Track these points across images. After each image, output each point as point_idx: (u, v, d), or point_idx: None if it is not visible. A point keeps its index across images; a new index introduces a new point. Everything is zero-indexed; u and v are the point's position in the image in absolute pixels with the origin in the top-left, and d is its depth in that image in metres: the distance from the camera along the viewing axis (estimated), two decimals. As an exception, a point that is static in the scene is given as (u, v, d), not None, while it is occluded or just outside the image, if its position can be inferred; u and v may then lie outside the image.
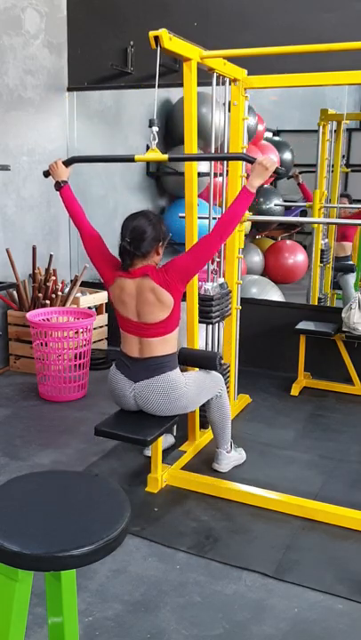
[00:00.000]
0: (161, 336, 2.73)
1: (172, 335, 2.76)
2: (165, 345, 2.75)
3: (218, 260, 3.39)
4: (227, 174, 3.46)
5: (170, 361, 2.77)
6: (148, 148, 2.74)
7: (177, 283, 2.67)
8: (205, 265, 3.03)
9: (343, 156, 5.65)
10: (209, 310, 3.26)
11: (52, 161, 3.00)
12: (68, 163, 3.00)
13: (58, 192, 2.98)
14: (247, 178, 2.78)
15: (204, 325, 3.41)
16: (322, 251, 5.01)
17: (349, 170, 5.69)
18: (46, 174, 3.06)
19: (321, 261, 5.02)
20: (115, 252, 2.78)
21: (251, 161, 2.71)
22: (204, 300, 3.26)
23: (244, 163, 3.54)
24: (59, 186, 2.97)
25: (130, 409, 2.83)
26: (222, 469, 3.13)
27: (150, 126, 2.70)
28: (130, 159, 2.85)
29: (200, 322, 3.28)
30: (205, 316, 3.29)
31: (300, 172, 5.80)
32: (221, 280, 3.41)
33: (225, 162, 3.41)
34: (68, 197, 2.95)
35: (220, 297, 3.35)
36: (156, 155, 2.73)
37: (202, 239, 2.74)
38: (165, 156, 2.74)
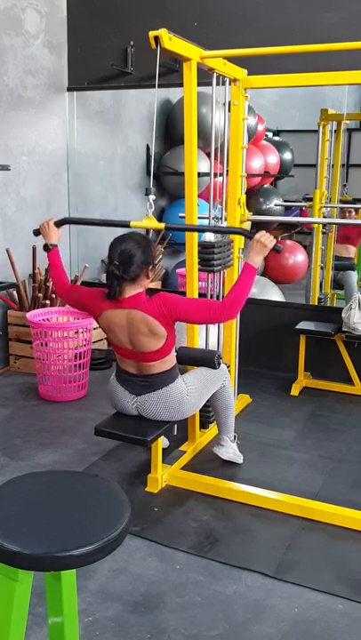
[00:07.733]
0: (159, 360, 2.70)
1: (170, 355, 2.74)
2: (165, 364, 2.73)
3: (220, 206, 3.31)
4: (227, 174, 3.46)
5: (171, 374, 2.76)
6: (147, 148, 2.74)
7: (170, 318, 2.62)
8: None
9: (344, 185, 5.66)
10: (210, 258, 3.13)
11: (44, 221, 2.96)
12: (59, 223, 2.96)
13: (46, 253, 2.94)
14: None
15: (204, 325, 3.40)
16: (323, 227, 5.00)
17: (351, 198, 5.68)
18: (36, 233, 3.01)
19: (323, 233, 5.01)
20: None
21: (249, 236, 2.67)
22: (206, 247, 3.14)
23: (244, 162, 3.55)
24: (47, 248, 2.93)
25: (131, 415, 2.84)
26: (222, 455, 3.15)
27: (147, 194, 2.69)
28: (125, 225, 2.83)
29: (200, 270, 3.18)
30: (206, 264, 3.16)
31: (303, 197, 5.81)
32: None
33: (225, 161, 3.41)
34: (55, 261, 2.93)
35: (222, 245, 3.20)
36: (153, 223, 2.73)
37: (213, 304, 2.68)
38: (162, 225, 2.76)
